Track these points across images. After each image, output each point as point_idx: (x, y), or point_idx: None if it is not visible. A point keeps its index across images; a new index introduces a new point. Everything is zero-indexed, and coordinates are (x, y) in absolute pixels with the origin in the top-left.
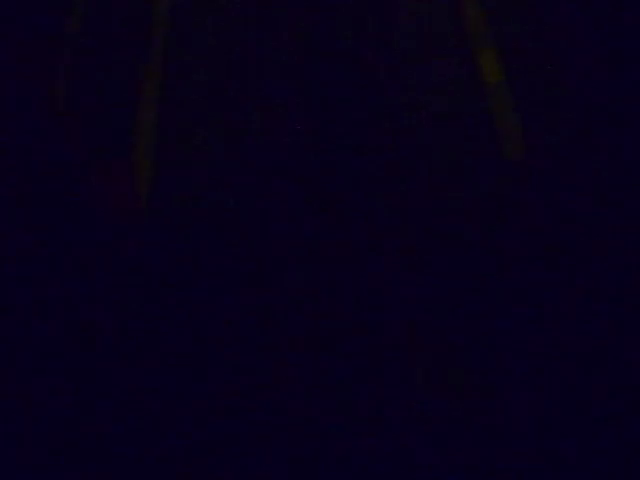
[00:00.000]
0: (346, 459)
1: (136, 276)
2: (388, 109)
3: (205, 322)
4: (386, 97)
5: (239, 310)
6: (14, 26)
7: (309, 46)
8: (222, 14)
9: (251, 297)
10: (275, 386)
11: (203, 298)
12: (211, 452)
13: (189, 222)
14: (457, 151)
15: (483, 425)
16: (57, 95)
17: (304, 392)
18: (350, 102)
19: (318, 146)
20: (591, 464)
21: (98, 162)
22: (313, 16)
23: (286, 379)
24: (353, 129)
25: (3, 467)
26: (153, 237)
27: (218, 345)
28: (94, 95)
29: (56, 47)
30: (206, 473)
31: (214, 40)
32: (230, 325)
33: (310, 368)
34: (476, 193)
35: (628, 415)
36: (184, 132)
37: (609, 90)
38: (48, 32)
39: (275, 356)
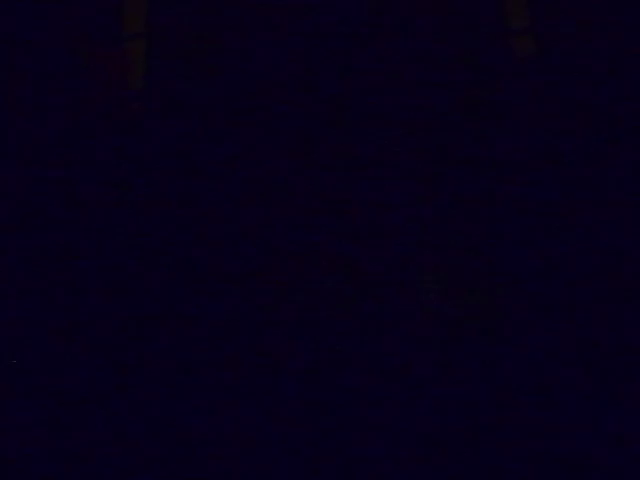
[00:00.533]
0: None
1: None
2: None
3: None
4: None
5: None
6: None
7: None
8: None
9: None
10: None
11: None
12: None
13: (187, 114)
14: (464, 45)
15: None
16: None
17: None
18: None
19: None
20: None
21: (84, 48)
22: None
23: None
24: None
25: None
26: (147, 132)
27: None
28: None
29: None
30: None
31: None
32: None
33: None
34: (484, 90)
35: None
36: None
37: None
38: None
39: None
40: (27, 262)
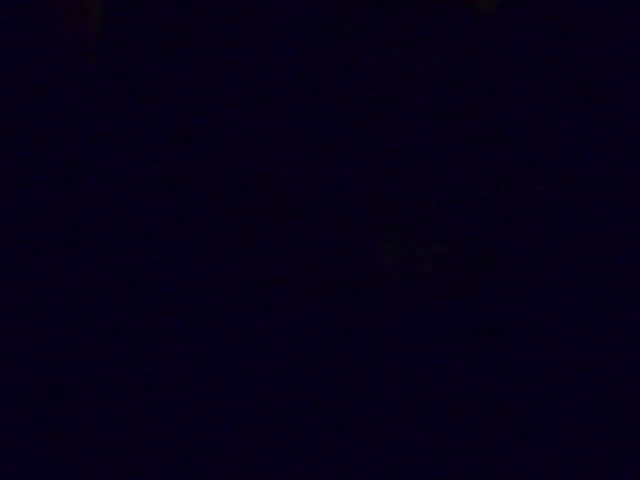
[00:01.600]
0: None
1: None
2: None
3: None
4: None
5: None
6: None
7: None
8: None
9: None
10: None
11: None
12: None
13: (147, 50)
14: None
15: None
16: None
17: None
18: None
19: None
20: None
21: None
22: None
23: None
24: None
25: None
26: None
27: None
28: None
29: None
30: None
31: None
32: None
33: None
34: (447, 48)
35: None
36: None
37: None
38: None
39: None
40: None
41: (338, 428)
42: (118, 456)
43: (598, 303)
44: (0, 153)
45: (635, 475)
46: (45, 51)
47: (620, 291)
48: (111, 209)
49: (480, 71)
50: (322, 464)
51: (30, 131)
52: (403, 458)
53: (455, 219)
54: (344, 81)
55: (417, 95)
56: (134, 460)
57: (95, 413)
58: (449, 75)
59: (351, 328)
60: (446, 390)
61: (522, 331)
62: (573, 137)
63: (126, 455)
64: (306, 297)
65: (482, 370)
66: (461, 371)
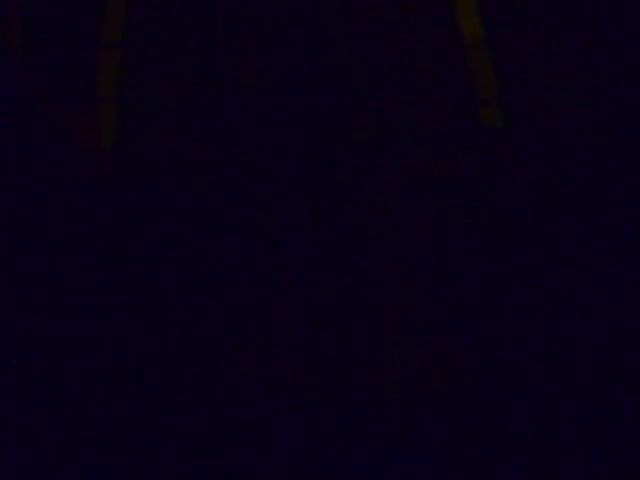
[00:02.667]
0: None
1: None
2: (360, 66)
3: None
4: (358, 54)
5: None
6: None
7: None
8: None
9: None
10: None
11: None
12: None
13: (160, 177)
14: (431, 114)
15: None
16: (12, 31)
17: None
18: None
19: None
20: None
21: (57, 112)
22: None
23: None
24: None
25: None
26: (121, 194)
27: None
28: (53, 33)
29: None
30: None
31: None
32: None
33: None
34: (451, 160)
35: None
36: (152, 76)
37: (594, 59)
38: None
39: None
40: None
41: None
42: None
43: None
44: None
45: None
46: (59, 168)
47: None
48: None
49: (484, 188)
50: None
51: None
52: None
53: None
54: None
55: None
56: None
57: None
58: (452, 191)
59: None
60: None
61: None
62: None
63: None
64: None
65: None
66: None
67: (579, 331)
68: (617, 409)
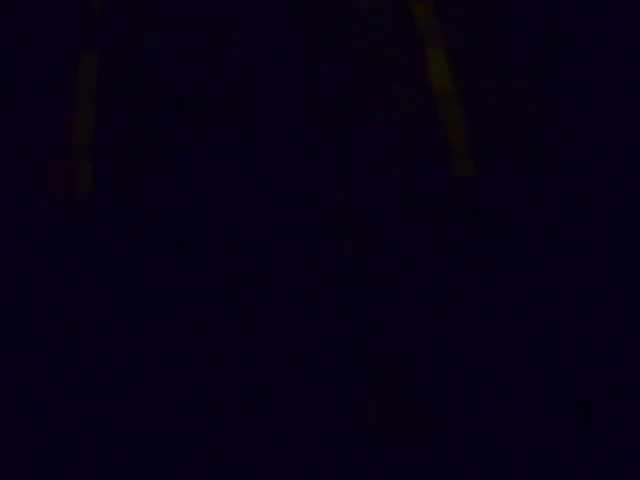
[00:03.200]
0: None
1: (75, 285)
2: (336, 119)
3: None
4: (335, 107)
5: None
6: None
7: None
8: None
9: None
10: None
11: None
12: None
13: (135, 221)
14: (404, 165)
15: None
16: None
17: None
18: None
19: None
20: None
21: (33, 158)
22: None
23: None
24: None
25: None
26: (94, 237)
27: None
28: (29, 85)
29: None
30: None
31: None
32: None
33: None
34: (424, 209)
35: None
36: (126, 122)
37: (563, 104)
38: None
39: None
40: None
41: None
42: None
43: None
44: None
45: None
46: (37, 216)
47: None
48: None
49: (459, 231)
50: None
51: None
52: None
53: None
54: None
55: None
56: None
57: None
58: (431, 242)
59: None
60: None
61: None
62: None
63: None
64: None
65: None
66: None
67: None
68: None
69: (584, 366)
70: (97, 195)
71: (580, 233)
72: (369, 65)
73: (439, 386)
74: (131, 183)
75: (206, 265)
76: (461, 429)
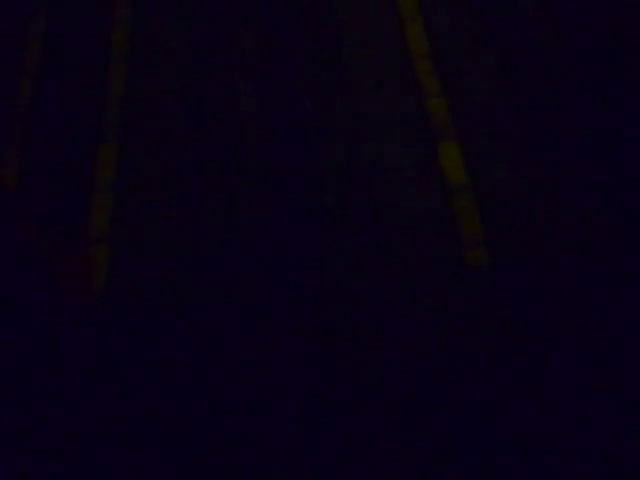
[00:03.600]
0: None
1: (92, 376)
2: (349, 214)
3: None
4: (346, 205)
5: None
6: None
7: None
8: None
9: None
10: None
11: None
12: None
13: (151, 310)
14: (416, 255)
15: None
16: (7, 169)
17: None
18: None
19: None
20: None
21: (50, 244)
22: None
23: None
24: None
25: None
26: (110, 327)
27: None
28: (47, 169)
29: (6, 115)
30: None
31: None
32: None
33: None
34: (436, 300)
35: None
36: (143, 211)
37: (578, 194)
38: None
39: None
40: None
41: None
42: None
43: None
44: None
45: None
46: (51, 307)
47: None
48: None
49: (469, 329)
50: None
51: None
52: None
53: None
54: None
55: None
56: None
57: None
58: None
59: None
60: None
61: None
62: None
63: None
64: None
65: None
66: None
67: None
68: None
69: None
70: (113, 286)
71: (597, 325)
72: (384, 162)
73: None
74: (148, 273)
75: (223, 363)
76: None
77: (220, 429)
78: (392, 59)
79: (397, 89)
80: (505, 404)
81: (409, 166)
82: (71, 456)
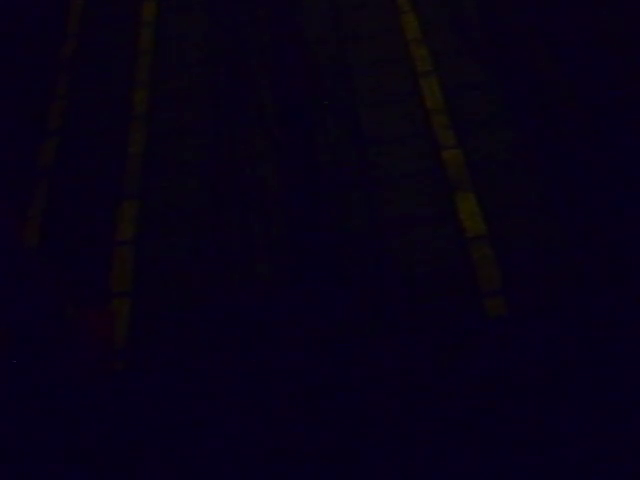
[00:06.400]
0: None
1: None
2: (368, 269)
3: None
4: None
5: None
6: None
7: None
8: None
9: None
10: None
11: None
12: None
13: (171, 364)
14: (436, 305)
15: None
16: (30, 226)
17: None
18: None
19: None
20: None
21: (71, 299)
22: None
23: None
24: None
25: None
26: (129, 383)
27: None
28: (70, 229)
29: (31, 175)
30: None
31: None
32: None
33: None
34: (456, 350)
35: None
36: (165, 271)
37: (594, 246)
38: (21, 160)
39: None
40: None
41: None
42: None
43: None
44: None
45: None
46: (69, 357)
47: None
48: None
49: (491, 370)
50: None
51: None
52: None
53: None
54: None
55: None
56: None
57: None
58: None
59: None
60: None
61: None
62: None
63: None
64: None
65: None
66: None
67: None
68: None
69: None
70: (134, 342)
71: (611, 379)
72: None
73: None
74: (170, 328)
75: (248, 421)
76: None
77: None
78: (408, 113)
79: (413, 140)
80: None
81: (427, 216)
82: None
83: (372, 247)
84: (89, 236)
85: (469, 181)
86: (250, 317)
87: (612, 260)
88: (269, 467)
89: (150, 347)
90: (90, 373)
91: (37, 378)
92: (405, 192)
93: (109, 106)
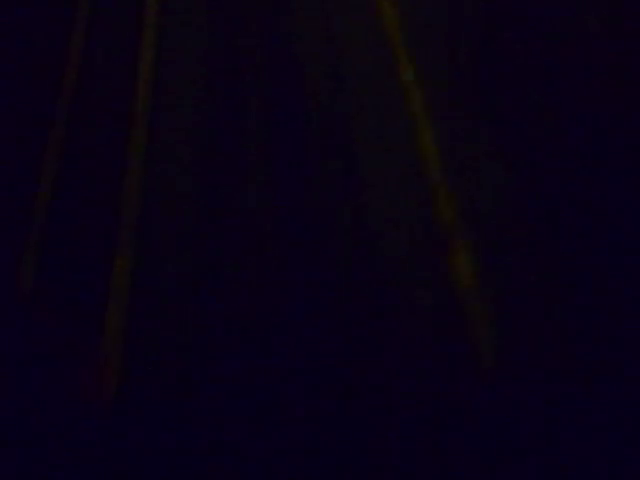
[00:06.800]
0: None
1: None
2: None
3: None
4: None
5: None
6: None
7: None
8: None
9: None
10: None
11: None
12: None
13: (166, 404)
14: (428, 355)
15: None
16: (25, 274)
17: None
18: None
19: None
20: None
21: (66, 343)
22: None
23: None
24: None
25: None
26: (125, 423)
27: None
28: (65, 276)
29: (24, 219)
30: None
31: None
32: None
33: None
34: (447, 403)
35: None
36: (158, 322)
37: (592, 299)
38: (17, 203)
39: None
40: None
41: None
42: None
43: None
44: None
45: None
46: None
47: None
48: None
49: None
50: None
51: None
52: None
53: None
54: None
55: None
56: None
57: None
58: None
59: None
60: None
61: None
62: None
63: None
64: None
65: None
66: None
67: None
68: None
69: None
70: (128, 382)
71: (609, 436)
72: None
73: None
74: (162, 367)
75: (239, 460)
76: None
77: None
78: (405, 166)
79: (408, 192)
80: None
81: (418, 267)
82: None
83: (360, 287)
84: (83, 282)
85: None
86: None
87: (610, 317)
88: None
89: (145, 387)
90: (85, 413)
91: (30, 416)
92: None
93: (105, 143)
